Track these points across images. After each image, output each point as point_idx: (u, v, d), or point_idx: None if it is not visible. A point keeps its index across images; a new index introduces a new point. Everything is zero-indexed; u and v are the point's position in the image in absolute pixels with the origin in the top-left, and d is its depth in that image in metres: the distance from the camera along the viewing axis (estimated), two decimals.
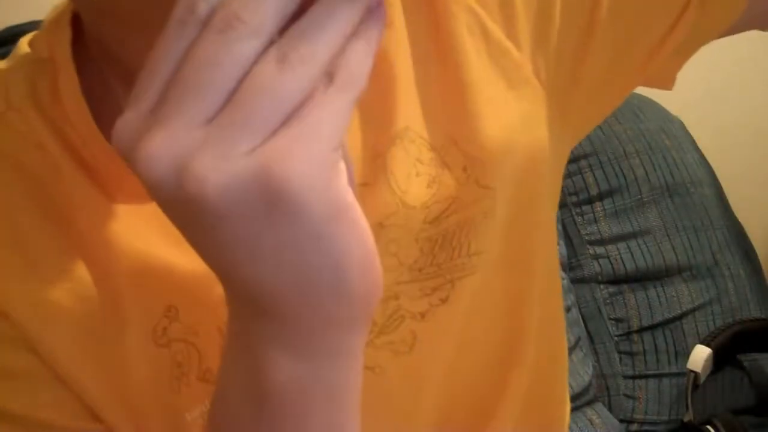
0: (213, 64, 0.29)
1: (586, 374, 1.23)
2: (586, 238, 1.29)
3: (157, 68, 0.30)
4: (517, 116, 0.54)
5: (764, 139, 1.58)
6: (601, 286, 1.28)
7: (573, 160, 1.29)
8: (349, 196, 0.31)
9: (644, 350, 1.27)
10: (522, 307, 0.57)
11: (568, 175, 1.29)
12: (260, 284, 0.33)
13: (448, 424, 0.55)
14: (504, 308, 0.57)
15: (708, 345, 1.21)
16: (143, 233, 0.47)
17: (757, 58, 1.52)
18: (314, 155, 0.29)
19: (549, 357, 0.61)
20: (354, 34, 0.30)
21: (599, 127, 1.31)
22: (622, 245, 1.28)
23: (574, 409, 1.18)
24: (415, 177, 0.52)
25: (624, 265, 1.28)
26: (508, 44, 0.54)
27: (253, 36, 0.29)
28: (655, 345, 1.27)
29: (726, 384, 1.26)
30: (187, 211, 0.31)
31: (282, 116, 0.29)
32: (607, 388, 1.27)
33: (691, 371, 1.19)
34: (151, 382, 0.47)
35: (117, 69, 0.49)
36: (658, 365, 1.27)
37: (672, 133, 1.39)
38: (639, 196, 1.30)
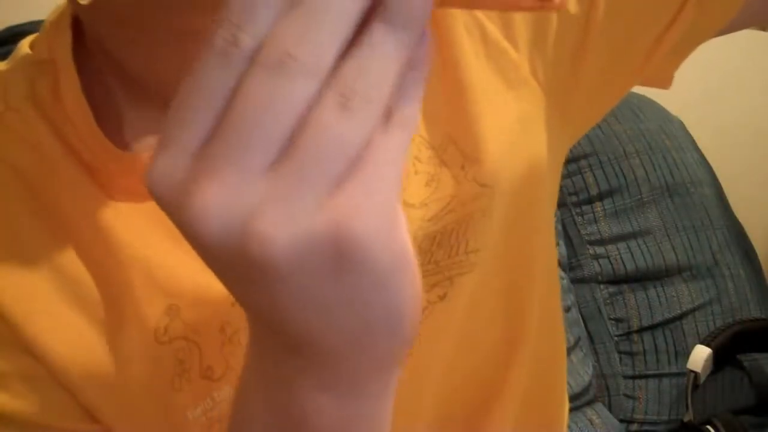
0: (268, 107, 0.26)
1: (586, 374, 1.23)
2: (586, 238, 1.29)
3: (195, 104, 0.28)
4: (515, 116, 0.54)
5: (764, 139, 1.58)
6: (601, 286, 1.28)
7: (573, 160, 1.29)
8: (409, 242, 0.30)
9: (644, 350, 1.27)
10: (521, 306, 0.57)
11: (568, 175, 1.29)
12: (311, 333, 0.31)
13: (446, 422, 0.55)
14: (503, 306, 0.57)
15: (708, 345, 1.21)
16: (143, 232, 0.47)
17: (757, 58, 1.52)
18: (381, 206, 0.28)
19: (548, 356, 0.61)
20: (407, 65, 0.28)
21: (599, 127, 1.31)
22: (622, 245, 1.28)
23: (574, 409, 1.18)
24: (414, 175, 0.53)
25: (624, 265, 1.28)
26: (506, 45, 0.54)
27: (309, 76, 0.26)
28: (655, 345, 1.27)
29: (726, 384, 1.26)
30: (245, 271, 0.28)
31: (347, 164, 0.27)
32: (607, 388, 1.27)
33: (691, 371, 1.19)
34: (153, 381, 0.47)
35: (116, 70, 0.49)
36: (658, 365, 1.27)
37: (672, 133, 1.39)
38: (639, 196, 1.30)
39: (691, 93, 1.43)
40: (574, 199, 1.29)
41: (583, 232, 1.29)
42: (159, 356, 0.47)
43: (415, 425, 0.53)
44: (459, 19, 0.53)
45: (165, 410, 0.47)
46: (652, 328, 1.27)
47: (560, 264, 1.27)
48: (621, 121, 1.34)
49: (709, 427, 1.16)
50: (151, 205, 0.47)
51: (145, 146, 0.48)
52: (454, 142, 0.53)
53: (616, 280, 1.28)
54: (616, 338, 1.28)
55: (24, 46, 0.51)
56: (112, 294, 0.47)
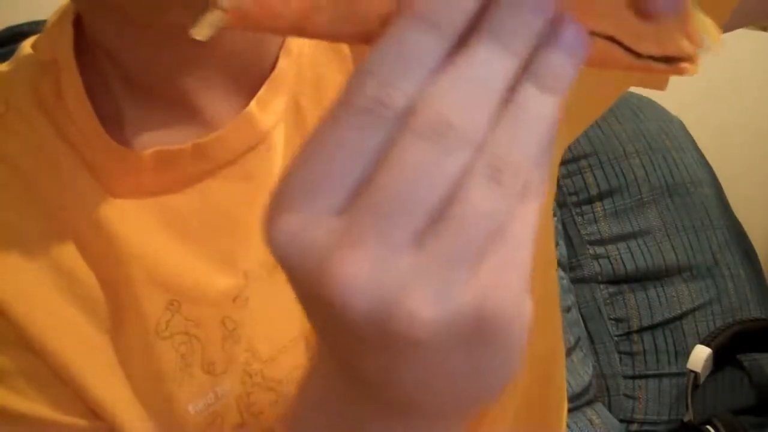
0: (421, 177, 0.25)
1: (586, 374, 1.23)
2: (586, 238, 1.29)
3: (336, 164, 0.25)
4: None
5: (764, 139, 1.58)
6: (601, 286, 1.28)
7: (573, 160, 1.29)
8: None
9: (644, 350, 1.27)
10: None
11: (568, 175, 1.29)
12: (424, 397, 0.29)
13: (443, 420, 0.56)
14: None
15: (708, 345, 1.21)
16: (144, 228, 0.48)
17: (757, 58, 1.52)
18: (520, 279, 0.26)
19: (546, 356, 0.61)
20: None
21: (599, 127, 1.31)
22: (622, 245, 1.28)
23: (574, 409, 1.18)
24: None
25: (624, 265, 1.28)
26: None
27: (465, 145, 0.25)
28: (655, 345, 1.27)
29: (726, 384, 1.26)
30: (382, 343, 0.27)
31: (492, 238, 0.26)
32: (607, 388, 1.27)
33: (691, 371, 1.19)
34: (154, 375, 0.47)
35: (117, 69, 0.49)
36: (658, 365, 1.27)
37: (672, 133, 1.39)
38: (639, 196, 1.30)
39: (690, 93, 1.43)
40: (574, 199, 1.30)
41: (583, 232, 1.29)
42: (160, 351, 0.47)
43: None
44: None
45: (167, 404, 0.48)
46: (652, 328, 1.27)
47: (560, 264, 1.27)
48: (621, 121, 1.34)
49: (709, 427, 1.16)
50: (152, 202, 0.48)
51: (144, 144, 0.48)
52: None
53: (616, 280, 1.28)
54: (616, 338, 1.28)
55: (26, 46, 0.51)
56: (113, 290, 0.47)
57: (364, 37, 0.27)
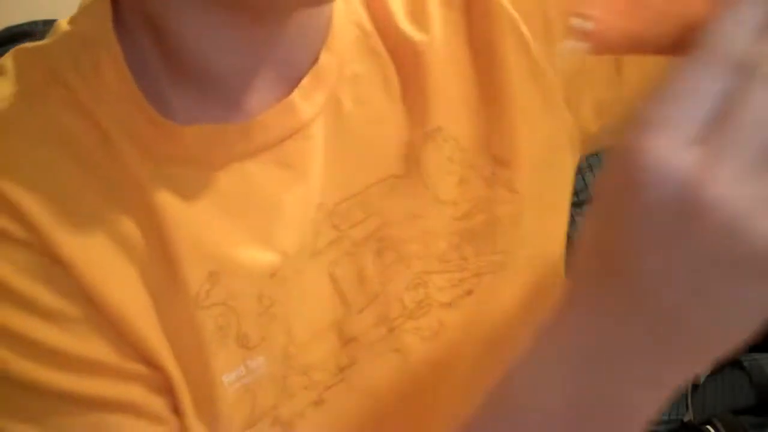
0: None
1: None
2: None
3: (694, 100, 0.32)
4: (547, 134, 0.57)
5: None
6: None
7: None
8: None
9: None
10: (544, 311, 0.58)
11: None
12: (720, 329, 0.35)
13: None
14: (528, 310, 0.58)
15: None
16: (188, 199, 0.48)
17: None
18: None
19: None
20: None
21: None
22: None
23: None
24: (446, 175, 0.55)
25: None
26: (547, 66, 0.56)
27: None
28: None
29: (726, 384, 1.26)
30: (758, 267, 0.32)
31: None
32: None
33: None
34: (193, 343, 0.48)
35: (159, 47, 0.50)
36: None
37: None
38: None
39: None
40: (574, 199, 1.29)
41: None
42: (200, 320, 0.48)
43: (436, 413, 0.54)
44: (508, 33, 0.56)
45: (204, 372, 0.48)
46: None
47: None
48: None
49: (709, 427, 1.16)
50: (194, 175, 0.49)
51: (183, 121, 0.49)
52: (488, 147, 0.56)
53: None
54: None
55: (62, 24, 0.52)
56: (160, 255, 0.48)
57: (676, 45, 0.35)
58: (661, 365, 0.36)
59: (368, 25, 0.55)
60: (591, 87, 0.58)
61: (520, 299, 0.57)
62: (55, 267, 0.46)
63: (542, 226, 0.58)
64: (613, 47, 0.36)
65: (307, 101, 0.52)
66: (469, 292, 0.55)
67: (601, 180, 0.35)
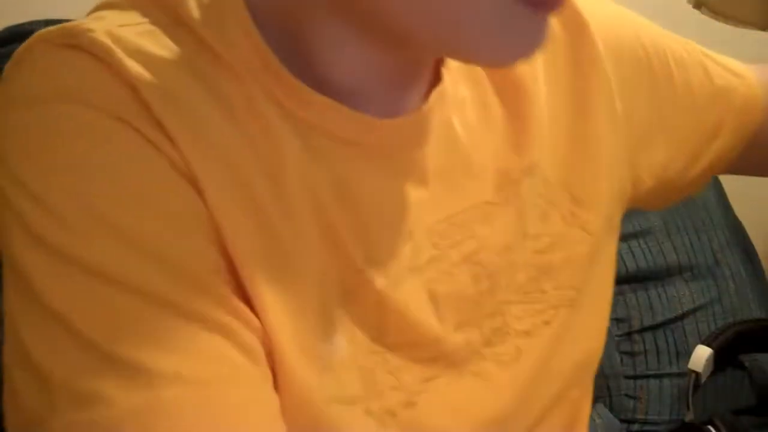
0: None
1: None
2: None
3: None
4: (617, 184, 0.61)
5: None
6: None
7: None
8: None
9: (645, 350, 1.27)
10: (599, 348, 0.63)
11: None
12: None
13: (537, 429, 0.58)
14: (585, 335, 0.61)
15: (709, 345, 1.21)
16: (310, 164, 0.48)
17: (758, 59, 1.52)
18: None
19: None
20: None
21: None
22: (623, 245, 1.28)
23: None
24: (533, 208, 0.57)
25: (625, 265, 1.27)
26: (625, 131, 0.61)
27: None
28: (656, 345, 1.27)
29: (727, 384, 1.26)
30: None
31: None
32: (608, 388, 1.27)
33: (692, 371, 1.19)
34: (296, 304, 0.47)
35: (284, 39, 0.49)
36: (659, 365, 1.27)
37: None
38: None
39: None
40: None
41: None
42: (307, 286, 0.48)
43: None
44: (594, 76, 0.59)
45: (309, 336, 0.47)
46: (653, 328, 1.27)
47: None
48: None
49: (710, 427, 1.16)
50: (326, 144, 0.48)
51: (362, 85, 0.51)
52: (567, 185, 0.58)
53: (617, 280, 1.27)
54: (617, 338, 1.28)
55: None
56: (281, 213, 0.47)
57: None
58: None
59: None
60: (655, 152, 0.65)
61: (585, 334, 0.60)
62: (190, 190, 0.45)
63: (604, 271, 0.61)
64: None
65: (428, 117, 0.53)
66: (547, 323, 0.56)
67: None
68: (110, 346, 0.41)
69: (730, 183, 1.43)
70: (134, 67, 0.45)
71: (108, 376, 0.40)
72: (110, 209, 0.43)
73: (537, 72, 0.58)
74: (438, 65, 0.55)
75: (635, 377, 1.27)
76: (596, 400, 1.25)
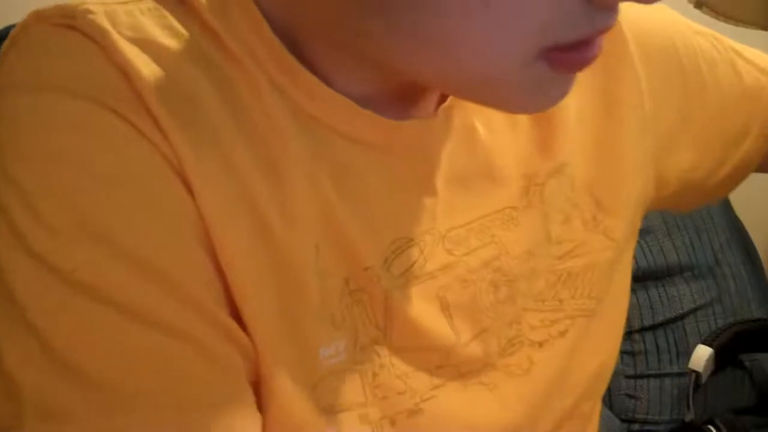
0: None
1: None
2: None
3: None
4: (641, 189, 0.60)
5: None
6: None
7: None
8: None
9: (646, 350, 1.27)
10: (613, 355, 0.61)
11: None
12: None
13: None
14: (606, 354, 0.60)
15: (709, 345, 1.21)
16: (313, 162, 0.47)
17: None
18: None
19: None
20: None
21: None
22: None
23: None
24: (558, 212, 0.55)
25: None
26: (653, 132, 0.60)
27: None
28: (657, 345, 1.27)
29: (727, 384, 1.25)
30: None
31: None
32: (609, 388, 1.26)
33: (693, 371, 1.19)
34: (297, 308, 0.46)
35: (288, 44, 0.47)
36: (660, 365, 1.27)
37: None
38: None
39: None
40: None
41: None
42: (305, 285, 0.46)
43: None
44: (624, 75, 0.58)
45: (304, 344, 0.46)
46: (653, 327, 1.27)
47: None
48: None
49: (710, 426, 1.16)
50: (333, 140, 0.47)
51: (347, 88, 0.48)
52: (591, 189, 0.57)
53: None
54: None
55: None
56: (277, 213, 0.45)
57: None
58: None
59: None
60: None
61: (602, 345, 0.58)
62: (182, 190, 0.43)
63: (623, 279, 0.60)
64: None
65: (444, 121, 0.51)
66: (562, 334, 0.55)
67: None
68: (85, 365, 0.39)
69: None
70: (131, 52, 0.43)
71: (79, 398, 0.39)
72: (95, 211, 0.41)
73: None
74: None
75: (635, 377, 1.27)
76: None
